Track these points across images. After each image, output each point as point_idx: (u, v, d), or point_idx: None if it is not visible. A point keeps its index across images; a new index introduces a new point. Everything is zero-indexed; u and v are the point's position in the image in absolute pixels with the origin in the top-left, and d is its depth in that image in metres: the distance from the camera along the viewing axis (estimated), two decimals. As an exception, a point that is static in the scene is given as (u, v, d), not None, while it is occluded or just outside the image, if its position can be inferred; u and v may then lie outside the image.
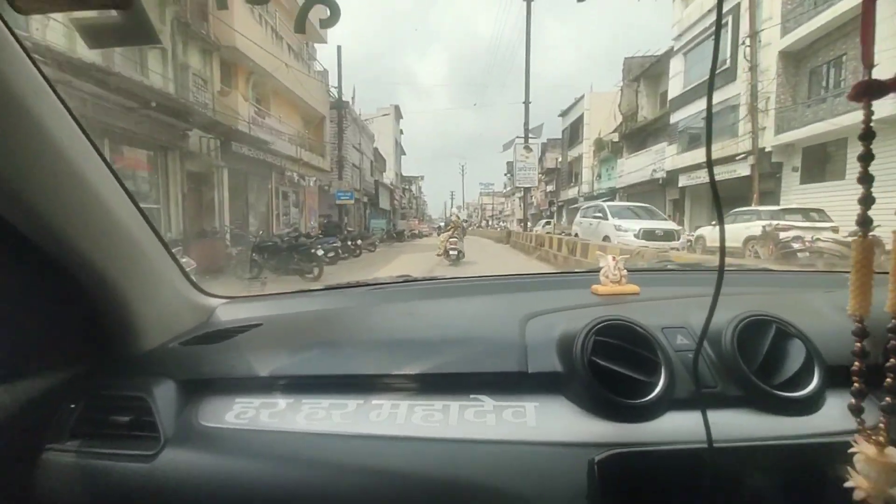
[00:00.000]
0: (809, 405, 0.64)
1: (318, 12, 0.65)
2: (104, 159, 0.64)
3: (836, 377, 0.64)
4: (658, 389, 0.63)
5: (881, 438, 0.39)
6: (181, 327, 0.84)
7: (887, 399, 0.38)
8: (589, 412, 0.63)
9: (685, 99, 17.04)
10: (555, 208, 37.13)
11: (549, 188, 39.72)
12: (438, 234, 15.28)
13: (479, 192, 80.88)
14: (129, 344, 0.74)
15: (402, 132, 45.64)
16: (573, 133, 30.92)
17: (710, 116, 0.48)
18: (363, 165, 25.77)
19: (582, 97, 28.71)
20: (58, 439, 0.66)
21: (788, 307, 0.76)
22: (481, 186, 76.89)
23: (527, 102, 18.48)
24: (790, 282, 1.17)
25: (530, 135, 19.89)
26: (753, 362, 0.66)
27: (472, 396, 0.66)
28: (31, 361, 0.69)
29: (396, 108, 40.66)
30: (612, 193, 22.68)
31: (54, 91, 0.55)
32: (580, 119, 28.78)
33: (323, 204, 19.09)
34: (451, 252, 9.99)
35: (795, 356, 0.67)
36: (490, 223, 61.53)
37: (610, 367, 0.64)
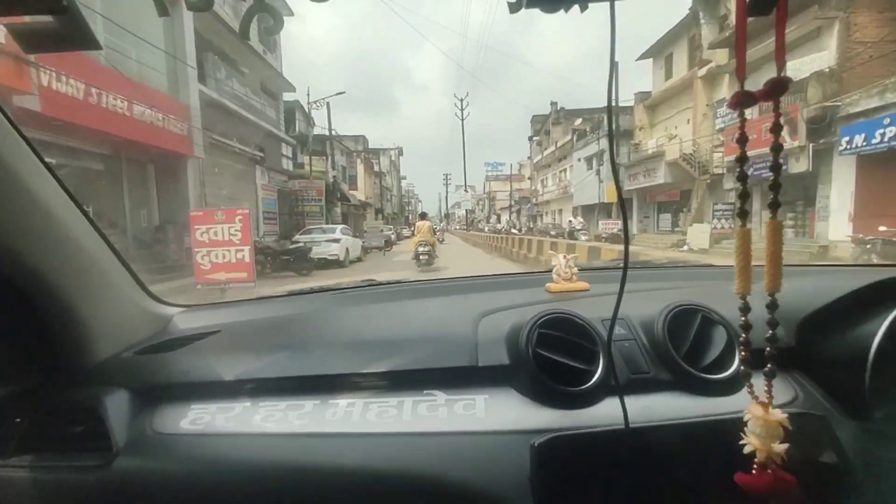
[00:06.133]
0: (731, 386, 0.69)
1: (263, 20, 0.58)
2: (49, 169, 0.63)
3: (755, 359, 0.69)
4: (596, 377, 0.68)
5: (766, 399, 0.45)
6: (136, 337, 0.82)
7: (769, 365, 0.44)
8: (534, 401, 0.68)
9: None
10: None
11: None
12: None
13: (484, 175, 60.07)
14: (81, 355, 0.72)
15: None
16: None
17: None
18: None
19: None
20: (2, 455, 0.65)
21: (713, 297, 0.81)
22: (487, 168, 57.84)
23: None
24: (718, 275, 1.22)
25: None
26: (682, 348, 0.72)
27: (425, 392, 0.70)
28: None
29: None
30: None
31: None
32: None
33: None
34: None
35: (719, 341, 0.73)
36: (509, 220, 39.15)
37: (552, 357, 0.69)
